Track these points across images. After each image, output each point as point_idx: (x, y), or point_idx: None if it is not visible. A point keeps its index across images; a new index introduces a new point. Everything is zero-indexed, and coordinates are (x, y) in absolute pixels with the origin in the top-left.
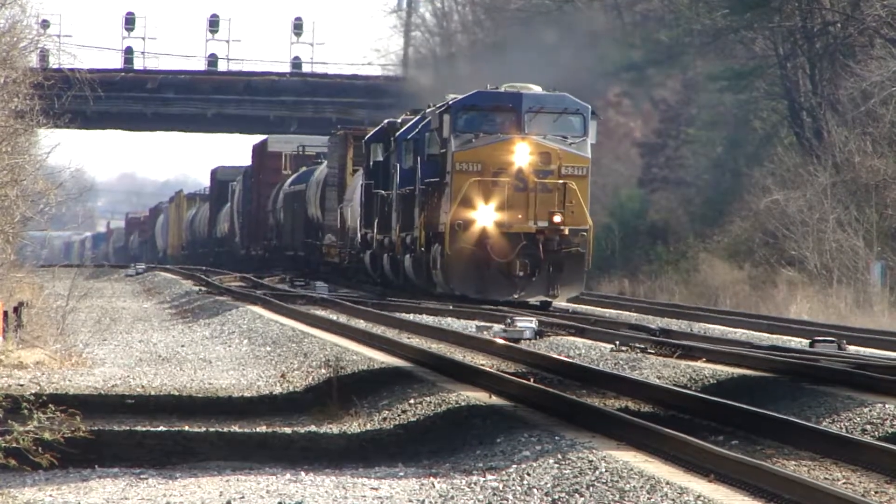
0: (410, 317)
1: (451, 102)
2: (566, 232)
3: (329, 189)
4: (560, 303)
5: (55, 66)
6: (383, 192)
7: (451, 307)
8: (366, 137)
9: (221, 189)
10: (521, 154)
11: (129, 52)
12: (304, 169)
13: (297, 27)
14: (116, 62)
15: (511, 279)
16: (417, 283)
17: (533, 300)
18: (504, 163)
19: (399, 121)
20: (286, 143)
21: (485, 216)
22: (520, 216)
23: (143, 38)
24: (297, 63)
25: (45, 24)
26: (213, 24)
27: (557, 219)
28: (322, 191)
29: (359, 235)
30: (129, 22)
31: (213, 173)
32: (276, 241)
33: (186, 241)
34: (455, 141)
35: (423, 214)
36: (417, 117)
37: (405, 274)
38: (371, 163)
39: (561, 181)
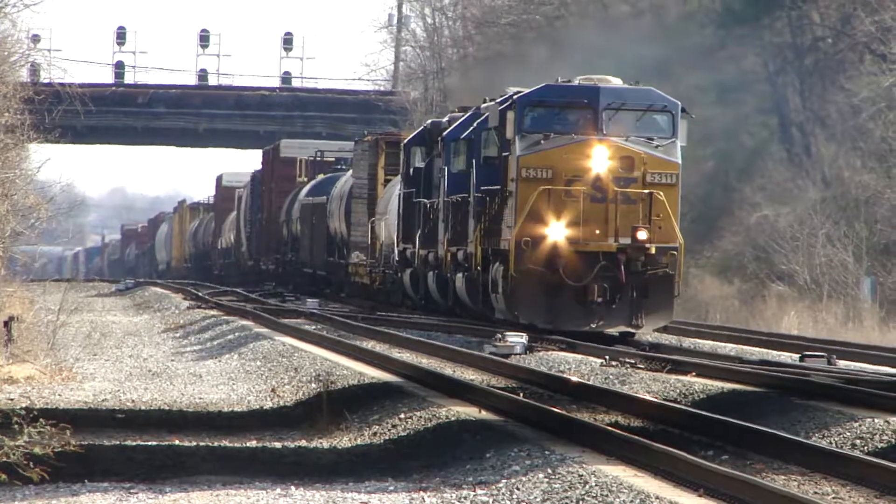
0: (401, 332)
1: (515, 97)
2: (652, 250)
3: (356, 201)
4: (645, 334)
5: (46, 81)
6: (426, 201)
7: (440, 322)
8: (405, 140)
9: (227, 196)
10: (599, 159)
11: (119, 66)
12: (322, 177)
13: (288, 42)
14: (107, 76)
15: (587, 306)
16: (472, 307)
17: (612, 331)
18: (579, 169)
19: (445, 120)
20: (301, 147)
21: (556, 232)
22: (597, 232)
23: (134, 53)
24: (287, 78)
25: (35, 39)
26: (204, 38)
27: (642, 235)
28: (347, 203)
29: (396, 251)
30: (120, 36)
31: (219, 179)
32: (291, 255)
33: (190, 254)
34: (521, 143)
35: (479, 227)
36: (469, 114)
37: (456, 296)
38: (411, 169)
39: (646, 190)
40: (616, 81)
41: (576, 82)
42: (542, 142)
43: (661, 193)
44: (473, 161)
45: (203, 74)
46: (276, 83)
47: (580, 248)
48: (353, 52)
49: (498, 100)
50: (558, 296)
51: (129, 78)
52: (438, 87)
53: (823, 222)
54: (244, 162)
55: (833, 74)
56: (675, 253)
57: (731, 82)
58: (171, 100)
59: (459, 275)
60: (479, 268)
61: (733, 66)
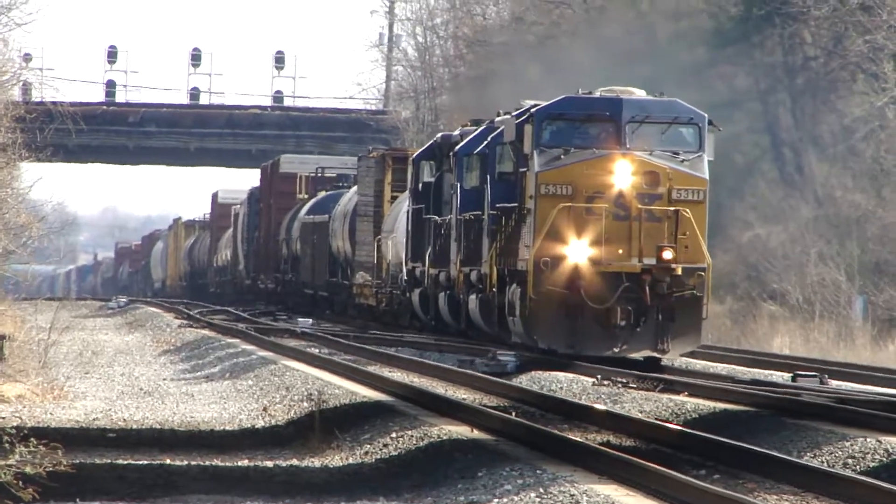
0: (393, 350)
1: (532, 110)
2: (679, 271)
3: (361, 220)
4: (671, 359)
5: (37, 100)
6: (437, 218)
7: (433, 341)
8: (413, 155)
9: (223, 213)
10: (622, 174)
11: (111, 85)
12: (323, 194)
13: (279, 61)
14: (98, 95)
15: (610, 330)
16: (486, 330)
17: (637, 355)
18: (601, 185)
19: (457, 133)
20: (301, 163)
21: (577, 252)
22: (621, 251)
23: (126, 72)
24: (278, 97)
25: (27, 58)
26: (195, 57)
27: (668, 255)
28: (352, 222)
29: (404, 271)
30: (112, 55)
31: (214, 196)
32: (291, 275)
33: (185, 272)
34: (539, 158)
35: (494, 246)
36: (483, 128)
37: (469, 318)
38: (419, 184)
39: (672, 208)
40: (640, 93)
41: (597, 94)
42: (561, 157)
43: (688, 210)
44: (488, 177)
45: (194, 93)
46: (268, 102)
47: (602, 269)
48: (345, 71)
49: (514, 113)
50: (579, 319)
51: (120, 97)
52: (430, 106)
53: (815, 241)
54: (236, 181)
55: (825, 94)
56: (703, 274)
57: (723, 101)
58: (162, 119)
59: (473, 296)
60: (494, 289)
61: (725, 84)
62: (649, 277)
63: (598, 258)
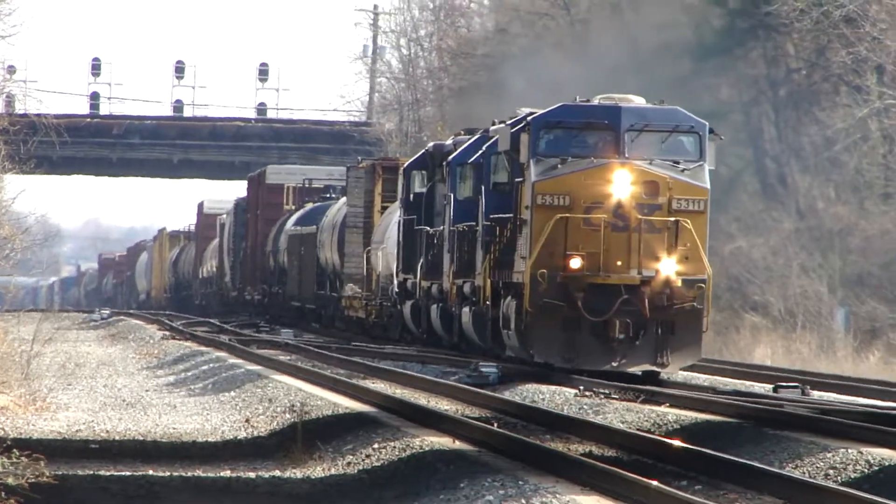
0: (375, 362)
1: (529, 118)
2: (679, 283)
3: (350, 231)
4: (671, 373)
5: (21, 112)
6: (429, 229)
7: (415, 352)
8: (405, 165)
9: (208, 223)
10: (621, 184)
11: (94, 97)
12: (310, 205)
13: (263, 73)
14: (82, 108)
15: (608, 344)
16: (480, 343)
17: (635, 370)
18: (599, 195)
19: (450, 142)
20: (288, 174)
21: (575, 263)
22: (619, 263)
23: (109, 84)
24: (262, 109)
25: (11, 70)
26: (179, 69)
27: (667, 266)
28: (340, 233)
29: (395, 282)
30: (95, 67)
31: (200, 206)
32: (278, 288)
33: (170, 283)
34: (536, 167)
35: (488, 258)
36: (476, 137)
37: (462, 331)
38: (411, 194)
39: (672, 218)
40: (639, 100)
41: (595, 101)
42: (558, 166)
43: (688, 221)
44: (482, 187)
45: (178, 105)
46: (252, 114)
47: (600, 281)
48: (329, 83)
49: (509, 121)
50: (577, 332)
51: (104, 109)
52: (413, 118)
53: (797, 253)
54: (219, 193)
55: (807, 106)
56: (703, 286)
57: (706, 113)
58: (146, 131)
59: (466, 309)
60: (488, 302)
61: (708, 96)
62: (648, 290)
63: (596, 270)
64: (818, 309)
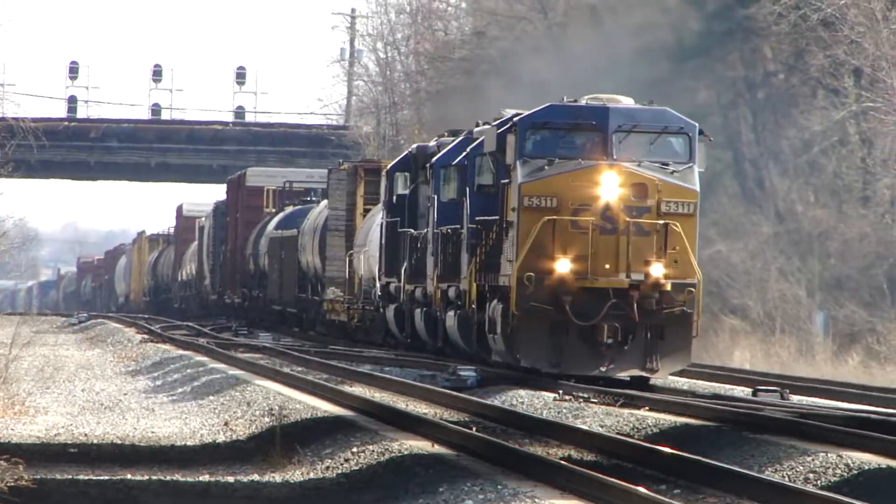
0: (354, 365)
1: (515, 119)
2: (668, 287)
3: (332, 234)
4: (660, 378)
5: None
6: (413, 231)
7: (393, 356)
8: (388, 167)
9: (187, 226)
10: (609, 186)
11: (72, 100)
12: (291, 209)
13: (241, 76)
14: (60, 111)
15: (596, 348)
16: (465, 348)
17: (624, 375)
18: (586, 197)
19: (433, 144)
20: (269, 176)
21: (562, 266)
22: (607, 266)
23: (87, 87)
24: (240, 112)
25: None
26: (157, 73)
27: (656, 270)
28: (322, 236)
29: (378, 286)
30: (73, 71)
31: (179, 209)
32: (258, 291)
33: (149, 286)
34: (522, 169)
35: (474, 261)
36: (460, 138)
37: (446, 336)
38: (394, 197)
39: (661, 221)
40: (627, 101)
41: (582, 102)
42: (545, 167)
43: (678, 224)
44: (467, 189)
45: (156, 109)
46: (230, 118)
47: (588, 284)
48: (307, 87)
49: (494, 123)
50: (564, 337)
51: (81, 112)
52: (391, 121)
53: (776, 257)
54: (197, 196)
55: (786, 108)
56: (693, 290)
57: (684, 115)
58: (123, 134)
59: (451, 313)
60: (473, 306)
61: (686, 98)
62: (637, 293)
63: (584, 273)
64: (797, 313)
